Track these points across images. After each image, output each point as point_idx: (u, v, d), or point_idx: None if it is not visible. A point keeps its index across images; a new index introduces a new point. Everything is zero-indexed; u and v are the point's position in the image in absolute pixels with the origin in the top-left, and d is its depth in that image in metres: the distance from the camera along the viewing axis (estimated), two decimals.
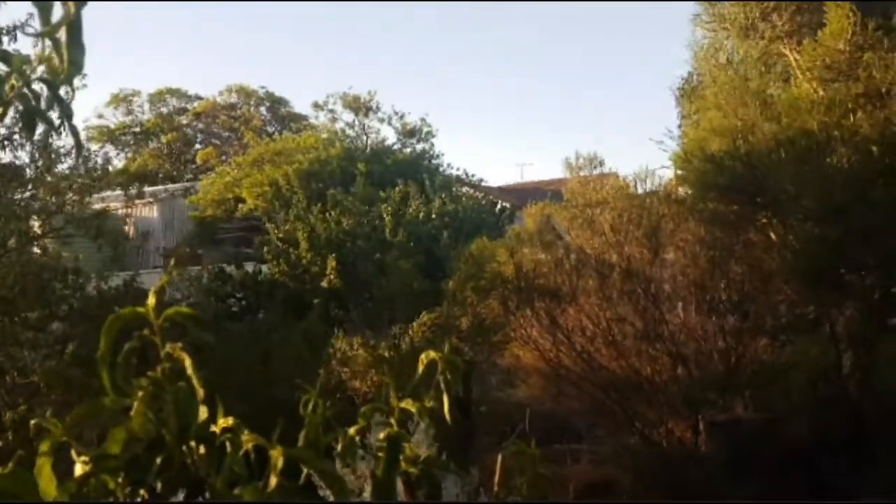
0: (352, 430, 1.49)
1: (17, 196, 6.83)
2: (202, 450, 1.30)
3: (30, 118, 1.53)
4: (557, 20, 41.57)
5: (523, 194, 14.30)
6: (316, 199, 13.45)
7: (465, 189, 15.95)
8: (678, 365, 7.36)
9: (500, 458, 2.00)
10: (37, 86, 1.56)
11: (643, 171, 7.88)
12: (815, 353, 5.52)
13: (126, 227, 10.75)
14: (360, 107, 21.13)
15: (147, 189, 13.93)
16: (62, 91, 1.57)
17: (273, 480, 1.13)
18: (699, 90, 7.41)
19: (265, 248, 12.79)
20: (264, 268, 12.35)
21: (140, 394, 1.29)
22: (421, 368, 1.68)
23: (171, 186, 21.46)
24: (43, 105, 1.57)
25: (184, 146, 29.71)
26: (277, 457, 1.15)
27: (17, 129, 6.85)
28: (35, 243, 6.98)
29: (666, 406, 7.43)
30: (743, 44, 6.96)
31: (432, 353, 1.71)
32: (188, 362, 1.27)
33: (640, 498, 7.20)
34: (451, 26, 42.88)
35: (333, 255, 11.30)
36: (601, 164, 8.04)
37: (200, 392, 1.25)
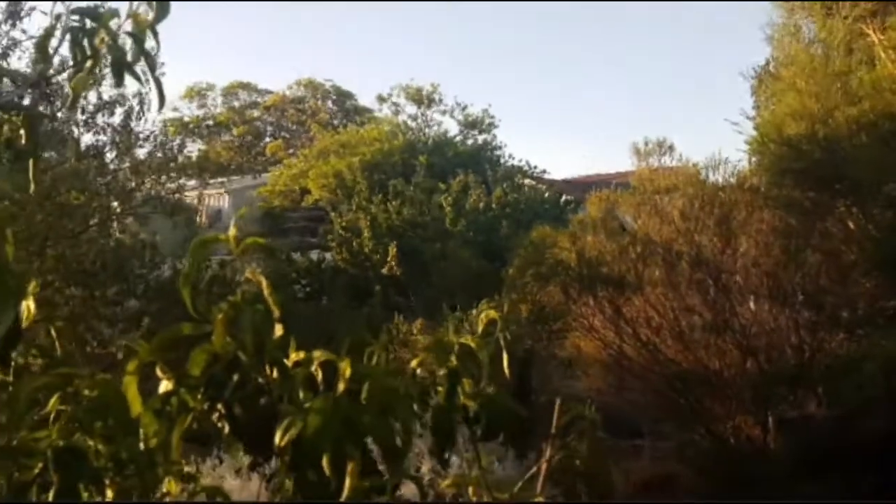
0: (413, 363, 1.55)
1: (100, 178, 7.25)
2: (275, 373, 1.38)
3: (118, 69, 1.64)
4: (628, 7, 40.77)
5: (588, 186, 14.10)
6: (378, 190, 13.66)
7: (526, 181, 15.87)
8: (748, 359, 7.15)
9: (557, 402, 2.02)
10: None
11: (715, 159, 7.69)
12: (890, 346, 5.27)
13: (198, 216, 11.23)
14: (422, 99, 21.31)
15: (219, 179, 14.49)
16: (147, 46, 1.68)
17: (341, 387, 1.19)
18: (776, 73, 7.16)
19: (329, 237, 13.09)
20: (328, 256, 12.65)
21: (220, 316, 1.38)
22: (481, 327, 1.72)
23: (240, 178, 22.19)
24: (129, 58, 1.69)
25: (254, 139, 30.64)
26: (345, 367, 1.21)
27: (100, 110, 7.27)
28: (115, 222, 7.38)
29: (734, 401, 7.23)
30: (824, 24, 6.70)
31: (492, 312, 1.75)
32: (265, 286, 1.35)
33: (703, 496, 7.04)
34: (515, 18, 42.69)
35: (394, 243, 11.46)
36: (671, 149, 7.88)
37: (276, 313, 1.32)
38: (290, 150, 26.48)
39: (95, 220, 6.90)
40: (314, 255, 13.00)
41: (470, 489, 1.87)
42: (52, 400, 1.24)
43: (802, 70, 6.11)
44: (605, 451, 2.07)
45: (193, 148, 28.06)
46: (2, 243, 0.90)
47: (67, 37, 1.62)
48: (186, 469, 1.48)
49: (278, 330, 1.31)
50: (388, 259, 11.27)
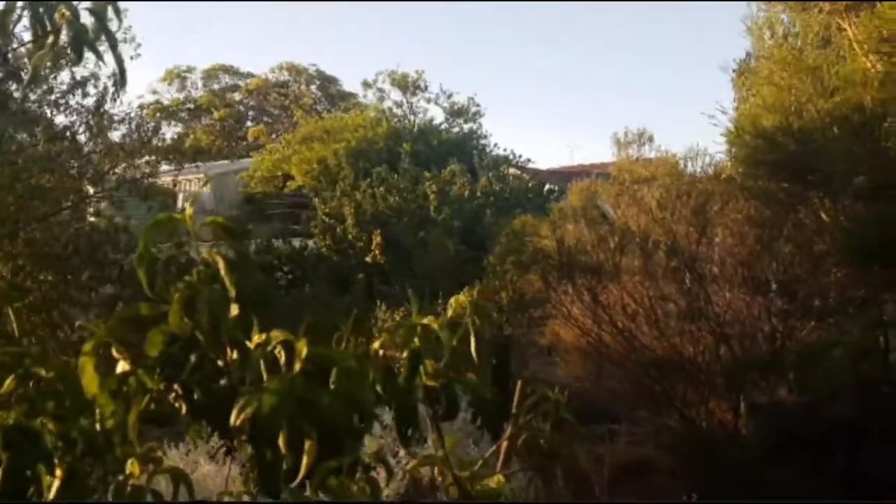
0: (376, 344, 1.61)
1: (73, 161, 7.18)
2: (234, 355, 1.43)
3: (78, 45, 1.65)
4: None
5: (571, 176, 14.20)
6: (363, 177, 13.66)
7: (511, 170, 15.93)
8: (721, 346, 7.29)
9: (521, 382, 2.09)
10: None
11: (693, 150, 7.80)
12: (857, 334, 5.42)
13: (175, 200, 11.15)
14: (407, 86, 21.24)
15: (199, 165, 14.37)
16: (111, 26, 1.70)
17: (297, 367, 1.25)
18: (753, 66, 7.26)
19: (312, 224, 13.08)
20: (311, 243, 12.64)
21: (177, 296, 1.42)
22: (450, 313, 1.78)
23: (222, 163, 22.04)
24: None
25: (235, 123, 30.38)
26: (301, 347, 1.26)
27: (72, 91, 7.19)
28: (88, 205, 7.34)
29: (707, 387, 7.38)
30: (800, 17, 6.79)
31: (462, 297, 1.81)
32: (222, 265, 1.39)
33: (677, 479, 7.19)
34: (501, 8, 42.55)
35: (378, 231, 11.49)
36: (650, 139, 7.98)
37: (232, 292, 1.36)
38: (273, 136, 26.31)
39: (68, 203, 6.85)
40: (297, 242, 12.99)
41: (435, 469, 1.95)
42: (7, 381, 1.27)
43: (778, 64, 6.21)
44: (571, 431, 2.16)
45: (173, 132, 27.81)
46: None
47: (27, 13, 1.62)
48: (150, 452, 1.53)
49: (234, 310, 1.35)
50: (372, 247, 11.30)
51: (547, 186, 14.92)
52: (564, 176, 17.45)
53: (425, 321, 1.69)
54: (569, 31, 44.41)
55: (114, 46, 1.69)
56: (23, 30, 1.66)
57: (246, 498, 1.46)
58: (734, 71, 8.22)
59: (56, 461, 1.20)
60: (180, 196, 12.27)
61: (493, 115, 32.37)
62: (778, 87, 6.41)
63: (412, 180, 12.88)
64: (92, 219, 7.33)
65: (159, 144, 8.52)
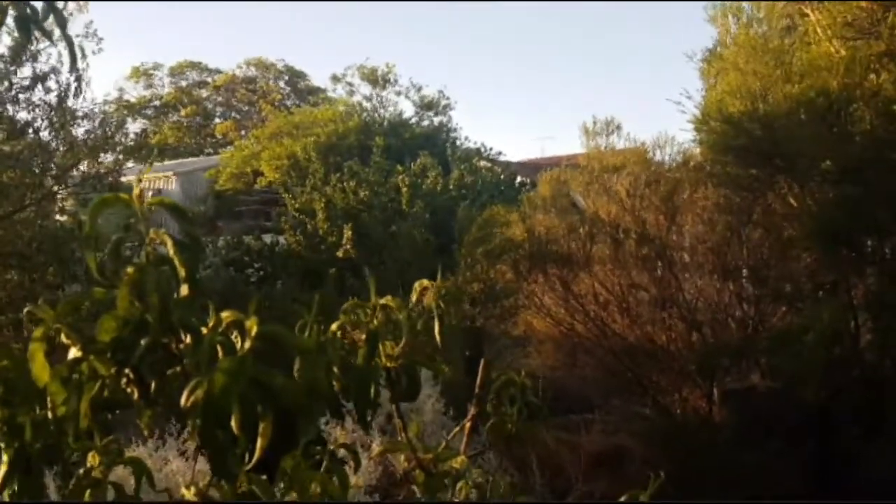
0: (333, 326, 1.57)
1: (36, 157, 7.03)
2: (187, 339, 1.38)
3: (25, 25, 1.59)
4: None
5: (542, 168, 14.25)
6: (334, 172, 13.56)
7: (482, 163, 15.95)
8: (693, 332, 7.37)
9: (483, 361, 2.07)
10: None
11: (661, 138, 7.85)
12: (827, 317, 5.51)
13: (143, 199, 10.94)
14: (377, 79, 21.11)
15: (167, 163, 14.18)
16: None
17: (247, 345, 1.21)
18: (719, 53, 7.33)
19: (282, 220, 12.95)
20: (281, 239, 12.52)
21: (125, 279, 1.37)
22: (415, 297, 1.75)
23: (190, 160, 21.76)
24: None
25: (203, 120, 29.98)
26: (252, 326, 1.22)
27: (34, 86, 7.02)
28: (53, 203, 7.19)
29: (680, 374, 7.46)
30: (763, 4, 6.87)
31: (425, 282, 1.78)
32: (170, 245, 1.34)
33: (652, 467, 7.24)
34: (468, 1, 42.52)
35: (349, 225, 11.41)
36: (619, 128, 8.01)
37: (182, 272, 1.32)
38: (242, 132, 26.00)
39: (31, 201, 6.70)
40: (268, 238, 12.86)
41: (401, 456, 1.92)
42: None
43: (743, 49, 6.27)
44: (539, 414, 2.13)
45: (138, 129, 27.34)
46: None
47: None
48: (110, 444, 1.48)
49: (184, 290, 1.31)
50: (343, 241, 11.23)
51: (518, 179, 14.96)
52: (535, 168, 17.52)
53: (383, 301, 1.66)
54: (537, 23, 44.60)
55: (62, 25, 1.63)
56: None
57: (213, 492, 1.41)
58: (701, 60, 8.30)
59: (2, 447, 1.16)
60: (147, 194, 12.06)
61: (464, 108, 32.42)
62: (743, 72, 6.48)
63: (383, 174, 12.82)
64: (57, 216, 7.19)
65: (123, 141, 8.36)
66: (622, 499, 1.65)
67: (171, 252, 1.34)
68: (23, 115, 7.13)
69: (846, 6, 5.51)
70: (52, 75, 7.36)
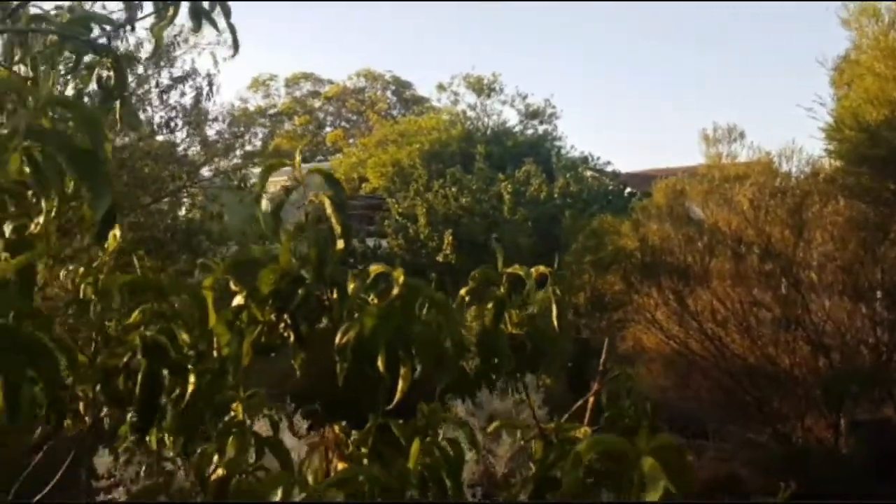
0: (462, 291, 1.71)
1: (171, 154, 7.80)
2: (335, 294, 1.56)
3: (196, 14, 1.87)
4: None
5: (652, 179, 13.99)
6: (436, 179, 13.89)
7: (588, 172, 15.85)
8: (820, 357, 7.03)
9: (606, 341, 2.14)
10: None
11: (788, 147, 7.57)
12: None
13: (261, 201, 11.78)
14: (482, 88, 21.42)
15: (282, 169, 15.12)
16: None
17: (395, 291, 1.35)
18: (854, 58, 7.01)
19: (385, 224, 13.39)
20: (384, 243, 12.94)
21: (286, 236, 1.57)
22: (530, 282, 1.85)
23: (302, 166, 22.95)
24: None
25: (315, 128, 31.42)
26: (399, 275, 1.37)
27: (172, 87, 7.77)
28: (185, 196, 7.94)
29: (804, 401, 7.12)
30: None
31: (542, 268, 1.89)
32: (328, 205, 1.53)
33: (768, 499, 6.95)
34: (578, 8, 42.33)
35: (450, 231, 11.65)
36: (741, 136, 7.79)
37: (338, 229, 1.50)
38: (350, 140, 27.04)
39: (166, 193, 7.42)
40: (371, 242, 13.32)
41: (518, 432, 2.02)
42: (139, 311, 1.44)
43: (882, 53, 5.98)
44: (655, 412, 2.19)
45: (258, 136, 29.03)
46: (100, 141, 1.09)
47: None
48: (254, 396, 1.67)
49: (340, 244, 1.49)
50: (444, 246, 11.48)
51: (628, 189, 14.75)
52: (645, 179, 17.18)
53: (511, 270, 1.78)
54: (649, 29, 43.72)
55: (227, 14, 1.90)
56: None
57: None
58: (833, 66, 7.94)
59: (189, 368, 1.34)
60: (264, 197, 12.87)
61: (570, 116, 32.15)
62: (882, 77, 6.18)
63: (486, 181, 13.01)
64: (184, 210, 7.91)
65: (252, 140, 9.10)
66: None
67: (329, 211, 1.52)
68: (161, 115, 7.98)
69: None
70: (188, 79, 8.17)
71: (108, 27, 1.83)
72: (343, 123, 31.48)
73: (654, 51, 43.44)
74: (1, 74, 1.75)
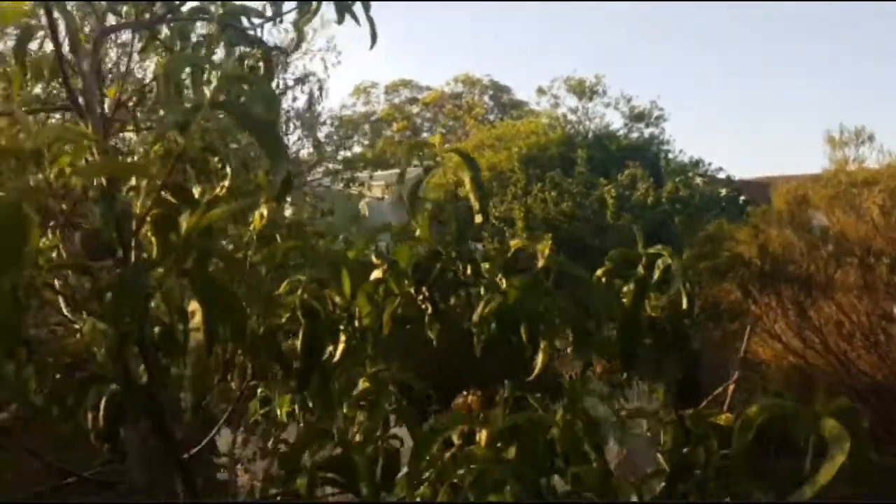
0: (599, 272, 1.67)
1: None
2: (468, 269, 1.57)
3: (340, 7, 1.99)
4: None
5: (769, 187, 13.40)
6: (534, 183, 13.80)
7: (698, 179, 15.35)
8: None
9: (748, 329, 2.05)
10: None
11: None
12: None
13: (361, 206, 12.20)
14: (584, 91, 21.17)
15: (378, 173, 15.57)
16: None
17: (540, 264, 1.34)
18: None
19: (482, 227, 13.46)
20: (479, 246, 13.01)
21: (425, 213, 1.59)
22: (657, 273, 1.79)
23: (397, 171, 23.54)
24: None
25: (412, 134, 32.06)
26: (544, 248, 1.36)
27: (288, 89, 8.24)
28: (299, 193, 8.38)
29: None
30: None
31: (668, 257, 1.83)
32: (468, 181, 1.54)
33: None
34: (686, 10, 41.09)
35: (549, 235, 11.55)
36: (870, 139, 7.33)
37: (477, 205, 1.51)
38: (447, 145, 27.37)
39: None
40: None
41: (644, 423, 1.96)
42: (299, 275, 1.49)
43: None
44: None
45: (359, 142, 29.95)
46: (277, 114, 1.15)
47: None
48: (376, 372, 1.70)
49: (478, 219, 1.50)
50: (541, 250, 11.41)
51: (742, 197, 14.18)
52: (760, 186, 16.42)
53: (652, 251, 1.73)
54: (762, 31, 41.86)
55: (367, 8, 2.02)
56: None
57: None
58: None
59: (341, 329, 1.39)
60: (362, 201, 13.24)
61: (678, 120, 31.21)
62: None
63: (587, 185, 12.81)
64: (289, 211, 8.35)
65: (361, 142, 9.54)
66: None
67: (469, 188, 1.54)
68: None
69: None
70: (304, 82, 8.67)
71: (257, 20, 1.95)
72: (440, 129, 31.93)
73: (768, 50, 41.60)
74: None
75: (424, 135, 31.94)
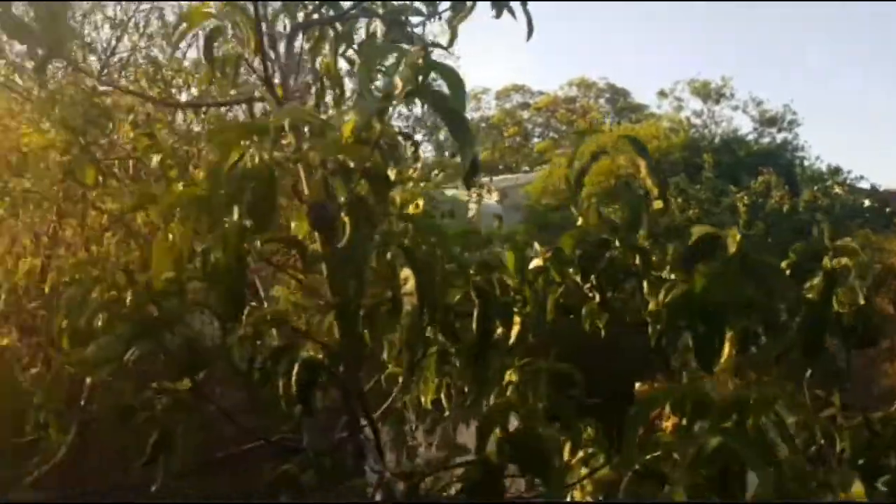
0: (783, 264, 1.62)
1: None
2: (636, 259, 1.56)
3: (499, 4, 2.05)
4: None
5: None
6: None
7: (836, 188, 14.48)
8: None
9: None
10: None
11: None
12: None
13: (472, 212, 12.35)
14: (709, 94, 20.47)
15: (491, 178, 15.62)
16: None
17: (732, 250, 1.31)
18: None
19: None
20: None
21: (592, 200, 1.60)
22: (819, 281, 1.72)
23: (509, 177, 23.50)
24: None
25: (523, 140, 32.01)
26: (735, 234, 1.33)
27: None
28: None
29: None
30: None
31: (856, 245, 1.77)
32: (643, 167, 1.53)
33: None
34: (820, 9, 38.78)
35: (674, 244, 11.20)
36: None
37: (654, 191, 1.50)
38: (559, 150, 27.13)
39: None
40: None
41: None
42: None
43: None
44: None
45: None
46: (465, 102, 1.20)
47: None
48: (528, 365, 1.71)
49: (657, 204, 1.49)
50: (666, 259, 11.06)
51: (888, 208, 13.28)
52: None
53: (839, 243, 1.67)
54: None
55: (525, 3, 2.07)
56: None
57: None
58: None
59: (515, 311, 1.43)
60: (474, 206, 13.38)
61: (814, 125, 29.53)
62: None
63: (715, 192, 12.33)
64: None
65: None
66: None
67: (644, 174, 1.53)
68: (395, 124, 8.69)
69: None
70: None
71: (417, 18, 2.04)
72: (552, 134, 31.67)
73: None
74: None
75: (535, 140, 31.79)
